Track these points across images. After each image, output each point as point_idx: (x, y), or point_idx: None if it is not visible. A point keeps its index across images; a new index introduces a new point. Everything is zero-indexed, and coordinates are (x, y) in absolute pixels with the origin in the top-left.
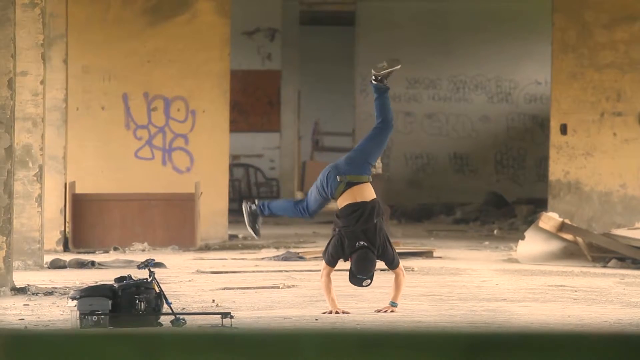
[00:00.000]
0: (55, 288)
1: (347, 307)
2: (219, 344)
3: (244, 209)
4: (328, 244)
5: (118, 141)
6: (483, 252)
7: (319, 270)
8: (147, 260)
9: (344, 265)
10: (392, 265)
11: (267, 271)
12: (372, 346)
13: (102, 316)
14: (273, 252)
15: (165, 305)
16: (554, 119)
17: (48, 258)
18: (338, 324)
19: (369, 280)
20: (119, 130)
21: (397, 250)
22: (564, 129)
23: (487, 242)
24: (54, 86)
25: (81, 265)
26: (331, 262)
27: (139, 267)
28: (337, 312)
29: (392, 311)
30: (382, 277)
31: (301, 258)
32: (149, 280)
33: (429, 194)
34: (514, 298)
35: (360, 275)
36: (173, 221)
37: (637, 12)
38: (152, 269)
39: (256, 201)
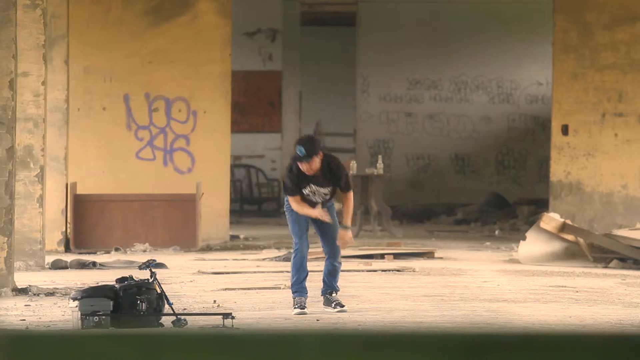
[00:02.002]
0: (57, 289)
1: (348, 307)
2: (220, 345)
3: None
4: (284, 186)
5: (119, 142)
6: (484, 252)
7: (320, 271)
8: (148, 261)
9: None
10: (344, 188)
11: (269, 272)
12: (374, 347)
13: (104, 317)
14: (274, 252)
15: (166, 306)
16: (555, 120)
17: (49, 259)
18: (339, 324)
19: (309, 158)
20: (120, 130)
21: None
22: (565, 130)
23: (488, 243)
24: (55, 87)
25: (82, 265)
26: (295, 191)
27: (140, 267)
28: (322, 215)
29: (348, 239)
30: (383, 278)
31: None
32: (150, 280)
33: (430, 195)
34: (516, 298)
35: (299, 147)
36: (174, 222)
37: (638, 12)
38: (153, 270)
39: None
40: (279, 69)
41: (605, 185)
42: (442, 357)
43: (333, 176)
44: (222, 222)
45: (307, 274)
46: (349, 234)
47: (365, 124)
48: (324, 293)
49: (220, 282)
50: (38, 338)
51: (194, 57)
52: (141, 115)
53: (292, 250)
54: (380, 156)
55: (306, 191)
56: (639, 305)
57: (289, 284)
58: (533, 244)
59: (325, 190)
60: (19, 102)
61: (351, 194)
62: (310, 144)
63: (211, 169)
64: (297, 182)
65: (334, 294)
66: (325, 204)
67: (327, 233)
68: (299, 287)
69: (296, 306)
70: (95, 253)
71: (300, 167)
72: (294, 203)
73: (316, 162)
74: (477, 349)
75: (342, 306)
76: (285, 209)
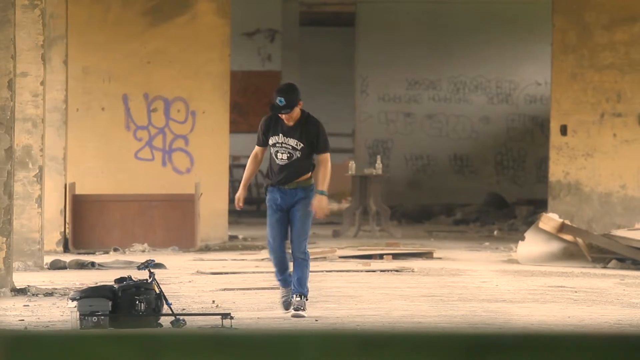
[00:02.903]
0: (55, 289)
1: (347, 307)
2: (219, 345)
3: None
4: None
5: (118, 142)
6: (483, 253)
7: (320, 271)
8: (147, 261)
9: (343, 266)
10: (321, 149)
11: (267, 272)
12: (372, 347)
13: (102, 317)
14: None
15: (165, 306)
16: (554, 120)
17: (48, 259)
18: (338, 324)
19: (288, 110)
20: (119, 131)
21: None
22: (564, 130)
23: (487, 243)
24: (54, 87)
25: (81, 266)
26: (259, 140)
27: (139, 268)
28: (239, 200)
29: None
30: (382, 278)
31: None
32: (149, 281)
33: (429, 195)
34: (514, 299)
35: (278, 97)
36: (173, 222)
37: (637, 13)
38: (152, 270)
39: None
40: (278, 69)
41: (604, 186)
42: (441, 357)
43: (308, 133)
44: (220, 223)
45: (287, 269)
46: (325, 200)
47: (364, 124)
48: (290, 297)
49: (219, 283)
50: (37, 338)
51: (192, 57)
52: (140, 115)
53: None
54: (379, 156)
55: (273, 141)
56: (637, 305)
57: None
58: (532, 244)
59: (294, 143)
60: (18, 102)
61: (328, 157)
62: (290, 94)
63: (210, 169)
64: (266, 130)
65: (299, 298)
66: (289, 167)
67: (294, 221)
68: (279, 279)
69: (282, 296)
70: (94, 253)
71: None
72: (251, 156)
73: (296, 111)
74: (475, 349)
75: (298, 310)
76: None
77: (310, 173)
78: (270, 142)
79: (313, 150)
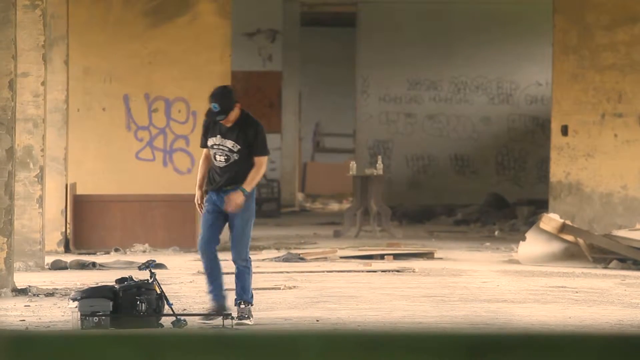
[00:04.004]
0: (56, 289)
1: (348, 307)
2: (220, 345)
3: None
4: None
5: (119, 142)
6: (484, 253)
7: (321, 272)
8: (148, 262)
9: (344, 266)
10: (257, 151)
11: (268, 272)
12: (373, 347)
13: (103, 317)
14: (274, 253)
15: (166, 307)
16: (555, 120)
17: (49, 259)
18: (339, 325)
19: (223, 116)
20: (120, 131)
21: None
22: (564, 130)
23: (488, 243)
24: (54, 87)
25: (82, 266)
26: (202, 141)
27: (139, 268)
28: (199, 200)
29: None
30: (383, 279)
31: (302, 259)
32: (150, 281)
33: (429, 195)
34: (515, 299)
35: (213, 103)
36: (174, 222)
37: (638, 13)
38: (152, 270)
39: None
40: (279, 69)
41: (605, 186)
42: (442, 357)
43: (246, 135)
44: None
45: (217, 278)
46: (241, 197)
47: (365, 125)
48: (235, 304)
49: None
50: (38, 338)
51: (193, 57)
52: (141, 115)
53: (291, 251)
54: (379, 157)
55: (211, 142)
56: (638, 305)
57: (289, 284)
58: (533, 245)
59: (230, 145)
60: (19, 102)
61: (263, 160)
62: (224, 99)
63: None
64: (205, 132)
65: (242, 305)
66: (228, 170)
67: (232, 227)
68: (209, 291)
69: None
70: (94, 253)
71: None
72: (202, 158)
73: (233, 114)
74: (476, 350)
75: (242, 319)
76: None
77: None
78: (209, 143)
79: (251, 152)
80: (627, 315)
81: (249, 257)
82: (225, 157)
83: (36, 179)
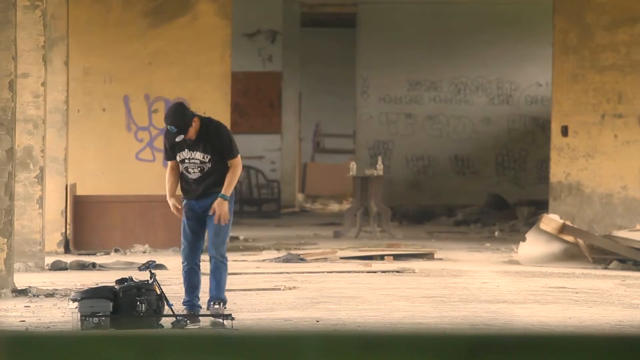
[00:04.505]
0: (56, 290)
1: (348, 308)
2: (220, 346)
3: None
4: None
5: (119, 143)
6: (484, 253)
7: (321, 272)
8: (148, 262)
9: (344, 267)
10: (227, 155)
11: (268, 273)
12: (373, 348)
13: (103, 318)
14: (274, 253)
15: (166, 307)
16: (555, 121)
17: (49, 260)
18: (339, 325)
19: (181, 136)
20: (120, 132)
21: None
22: (564, 131)
23: (488, 244)
24: (55, 88)
25: (82, 267)
26: (168, 155)
27: (140, 268)
28: (175, 207)
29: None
30: (383, 279)
31: (302, 260)
32: (150, 282)
33: (429, 196)
34: (515, 300)
35: (169, 125)
36: (174, 223)
37: (638, 13)
38: (153, 271)
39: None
40: (279, 70)
41: (605, 187)
42: (442, 358)
43: (212, 143)
44: None
45: (196, 289)
46: (225, 205)
47: (365, 125)
48: (208, 305)
49: None
50: (38, 339)
51: (193, 58)
52: (141, 116)
53: (291, 252)
54: (380, 157)
55: (180, 157)
56: (638, 306)
57: (289, 285)
58: (533, 245)
59: (200, 157)
60: (19, 103)
61: (236, 162)
62: (179, 118)
63: None
64: (171, 146)
65: (216, 305)
66: (205, 179)
67: (210, 225)
68: (185, 301)
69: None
70: (94, 254)
71: None
72: (167, 172)
73: (193, 129)
74: (476, 350)
75: (222, 324)
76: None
77: None
78: (178, 158)
79: (222, 158)
80: (627, 316)
81: (226, 255)
82: (199, 169)
83: (36, 180)
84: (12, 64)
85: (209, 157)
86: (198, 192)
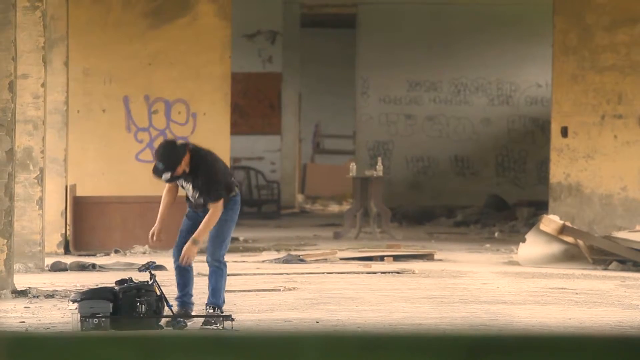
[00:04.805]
0: (56, 291)
1: (348, 309)
2: (220, 347)
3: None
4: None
5: (119, 144)
6: (484, 254)
7: (321, 273)
8: (148, 263)
9: (344, 267)
10: (209, 198)
11: (268, 274)
12: (373, 348)
13: (103, 319)
14: (274, 254)
15: (166, 308)
16: (555, 122)
17: (49, 261)
18: (339, 326)
19: (168, 174)
20: (120, 132)
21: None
22: (564, 132)
23: (488, 245)
24: (54, 89)
25: (82, 267)
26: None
27: (139, 269)
28: (157, 235)
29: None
30: (383, 280)
31: (302, 260)
32: (150, 283)
33: (429, 197)
34: (515, 300)
35: (158, 162)
36: (174, 224)
37: (638, 14)
38: (152, 272)
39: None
40: (279, 70)
41: (605, 187)
42: (442, 359)
43: (201, 183)
44: None
45: (186, 286)
46: (194, 250)
47: (365, 126)
48: (205, 307)
49: None
50: (37, 340)
51: (193, 59)
52: (141, 117)
53: (291, 252)
54: (379, 158)
55: (179, 182)
56: (638, 307)
57: (289, 286)
58: (533, 246)
59: (192, 191)
60: (19, 104)
61: (216, 207)
62: (169, 159)
63: None
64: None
65: (210, 310)
66: (201, 207)
67: (215, 228)
68: (177, 297)
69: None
70: (94, 255)
71: None
72: (164, 191)
73: (182, 166)
74: (476, 351)
75: (209, 324)
76: None
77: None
78: (178, 182)
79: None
80: (627, 317)
81: (224, 260)
82: (197, 195)
83: (36, 181)
84: (12, 65)
85: (198, 193)
86: (199, 208)
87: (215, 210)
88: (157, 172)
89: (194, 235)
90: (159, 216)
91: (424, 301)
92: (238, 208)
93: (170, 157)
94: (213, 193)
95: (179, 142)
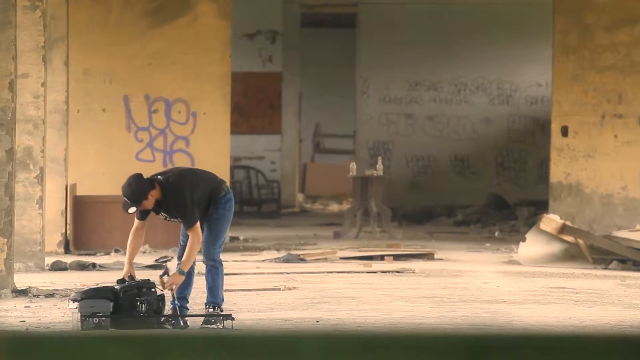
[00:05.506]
0: (56, 290)
1: (348, 308)
2: (220, 346)
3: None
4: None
5: (119, 143)
6: (484, 254)
7: (321, 272)
8: (163, 257)
9: (344, 267)
10: (186, 226)
11: (268, 273)
12: (373, 348)
13: (103, 318)
14: (274, 254)
15: (170, 306)
16: (555, 121)
17: (49, 260)
18: (339, 325)
19: (134, 208)
20: (120, 132)
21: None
22: (564, 131)
23: (488, 244)
24: (55, 88)
25: (82, 267)
26: (139, 216)
27: (157, 261)
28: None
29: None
30: (383, 279)
31: (302, 260)
32: (162, 275)
33: (430, 196)
34: (515, 300)
35: (123, 196)
36: (174, 223)
37: (638, 14)
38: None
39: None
40: (279, 70)
41: (605, 187)
42: (442, 358)
43: (170, 212)
44: None
45: (184, 290)
46: (178, 279)
47: (365, 126)
48: (205, 307)
49: None
50: (38, 339)
51: (193, 58)
52: (141, 116)
53: (291, 252)
54: (380, 157)
55: (161, 216)
56: (638, 306)
57: (289, 285)
58: (533, 246)
59: (174, 220)
60: (19, 103)
61: (194, 233)
62: (133, 194)
63: (211, 171)
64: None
65: (210, 309)
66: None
67: (208, 227)
68: (177, 299)
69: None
70: (95, 254)
71: None
72: (132, 230)
73: (151, 199)
74: (476, 350)
75: (208, 324)
76: None
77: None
78: (160, 215)
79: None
80: (627, 316)
81: (219, 259)
82: (175, 220)
83: (36, 180)
84: (12, 65)
85: (177, 220)
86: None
87: (193, 236)
88: (124, 206)
89: (179, 266)
90: (126, 262)
91: (424, 300)
92: (231, 207)
93: (135, 191)
94: (186, 220)
95: (147, 177)
